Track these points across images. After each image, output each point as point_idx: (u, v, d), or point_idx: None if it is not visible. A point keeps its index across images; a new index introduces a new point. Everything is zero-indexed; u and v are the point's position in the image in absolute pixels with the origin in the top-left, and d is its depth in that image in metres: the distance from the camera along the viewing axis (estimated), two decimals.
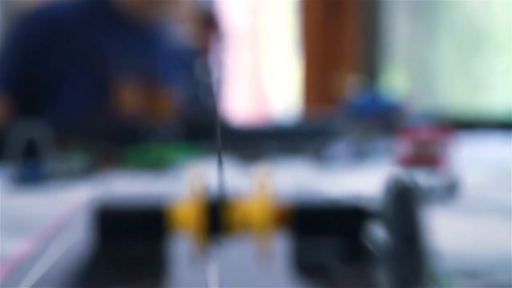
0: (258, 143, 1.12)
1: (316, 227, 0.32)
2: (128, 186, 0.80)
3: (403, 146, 0.75)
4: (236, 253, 0.31)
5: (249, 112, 3.22)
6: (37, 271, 0.28)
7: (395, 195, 0.25)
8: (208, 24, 1.37)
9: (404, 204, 0.25)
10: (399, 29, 3.07)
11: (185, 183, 0.78)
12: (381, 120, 1.16)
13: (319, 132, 1.54)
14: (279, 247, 0.31)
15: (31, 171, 0.88)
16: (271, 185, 0.31)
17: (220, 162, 0.30)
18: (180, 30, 1.80)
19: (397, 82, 3.09)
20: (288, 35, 3.18)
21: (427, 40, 3.06)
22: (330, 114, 1.71)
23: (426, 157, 0.74)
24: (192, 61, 1.79)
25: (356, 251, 0.31)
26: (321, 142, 1.21)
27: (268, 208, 0.30)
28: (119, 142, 1.12)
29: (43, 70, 1.57)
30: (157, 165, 1.01)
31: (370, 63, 2.94)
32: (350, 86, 2.85)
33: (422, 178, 0.73)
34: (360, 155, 1.12)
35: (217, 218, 0.29)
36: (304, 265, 0.29)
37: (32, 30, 1.58)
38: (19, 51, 1.58)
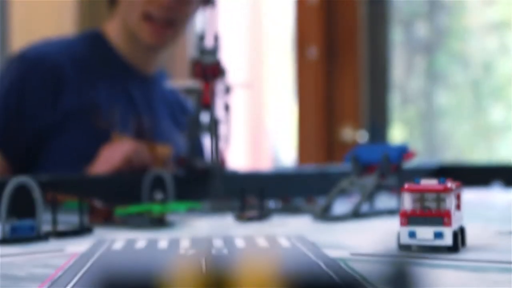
0: (258, 192, 1.10)
1: None
2: (124, 248, 0.77)
3: (406, 200, 0.73)
4: None
5: (248, 159, 3.20)
6: None
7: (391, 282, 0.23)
8: (211, 75, 1.36)
9: None
10: (402, 81, 3.07)
11: (181, 251, 0.76)
12: (384, 172, 1.14)
13: (318, 182, 1.52)
14: None
15: (24, 228, 0.86)
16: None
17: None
18: (180, 83, 1.80)
19: (400, 134, 3.08)
20: (288, 86, 3.18)
21: (431, 92, 3.06)
22: (330, 164, 1.69)
23: (430, 211, 0.73)
24: (190, 112, 1.78)
25: None
26: (320, 193, 1.19)
27: None
28: (115, 198, 1.10)
29: (37, 121, 1.55)
30: (153, 222, 0.99)
31: (372, 114, 2.92)
32: (352, 137, 2.83)
33: (427, 233, 0.71)
34: (362, 210, 1.10)
35: None
36: None
37: (28, 77, 1.56)
38: (13, 100, 1.55)
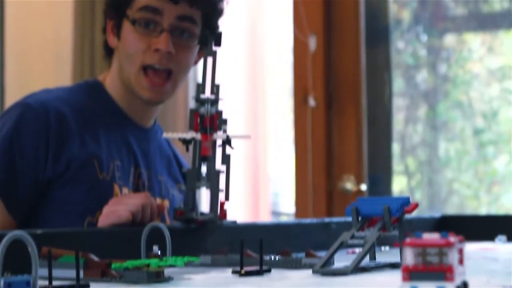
0: (257, 244, 1.08)
1: None
2: None
3: (408, 255, 0.72)
4: None
5: (247, 208, 3.18)
6: None
7: None
8: (210, 126, 1.36)
9: None
10: (403, 130, 3.06)
11: None
12: (385, 225, 1.12)
13: (319, 234, 1.50)
14: None
15: (20, 283, 0.85)
16: None
17: None
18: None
19: (401, 184, 3.07)
20: (287, 134, 3.18)
21: (432, 141, 3.05)
22: (331, 217, 1.67)
23: (432, 266, 0.71)
24: (184, 165, 1.78)
25: None
26: (320, 246, 1.18)
27: None
28: (112, 252, 1.09)
29: (40, 172, 1.53)
30: (150, 277, 0.97)
31: (373, 164, 2.91)
32: (352, 186, 2.82)
33: None
34: (363, 263, 1.08)
35: None
36: None
37: (31, 127, 1.54)
38: (15, 149, 1.53)
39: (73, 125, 1.56)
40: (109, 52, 1.69)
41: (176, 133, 1.36)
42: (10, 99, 3.14)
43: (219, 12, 1.67)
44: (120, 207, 1.41)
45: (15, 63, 3.13)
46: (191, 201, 1.37)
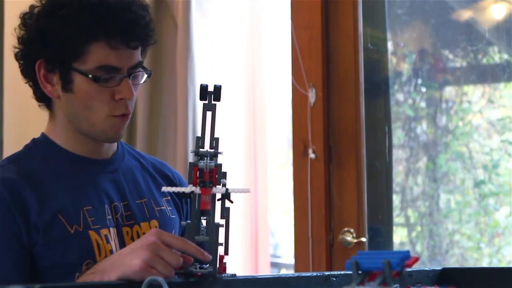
0: None
1: None
2: None
3: None
4: None
5: (247, 260, 3.16)
6: None
7: None
8: (209, 180, 1.35)
9: None
10: (403, 182, 3.06)
11: None
12: (385, 279, 1.11)
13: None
14: None
15: None
16: None
17: None
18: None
19: (401, 237, 3.05)
20: (287, 186, 3.17)
21: (433, 193, 3.04)
22: (331, 270, 1.66)
23: None
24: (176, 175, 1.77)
25: None
26: None
27: None
28: None
29: (19, 247, 1.51)
30: None
31: (373, 216, 2.90)
32: (352, 239, 2.80)
33: None
34: None
35: None
36: None
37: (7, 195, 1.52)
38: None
39: (28, 192, 1.53)
40: (43, 99, 1.65)
41: (175, 187, 1.35)
42: (11, 98, 3.14)
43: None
44: (159, 265, 1.34)
45: (15, 63, 3.13)
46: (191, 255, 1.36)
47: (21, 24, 1.62)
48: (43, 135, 1.66)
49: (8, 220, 1.50)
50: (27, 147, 1.67)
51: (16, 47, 1.63)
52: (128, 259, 1.37)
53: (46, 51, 1.58)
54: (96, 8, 1.54)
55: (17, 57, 1.64)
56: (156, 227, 1.65)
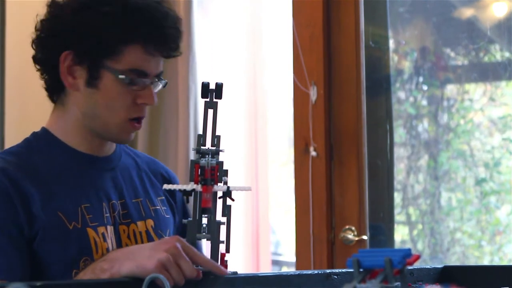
0: None
1: None
2: None
3: None
4: None
5: (248, 258, 3.17)
6: None
7: None
8: (210, 178, 1.35)
9: None
10: (405, 180, 3.06)
11: None
12: (386, 277, 1.11)
13: (320, 286, 1.49)
14: None
15: None
16: None
17: None
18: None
19: (403, 235, 3.06)
20: (288, 183, 3.17)
21: (434, 191, 3.04)
22: (332, 268, 1.66)
23: None
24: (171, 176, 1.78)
25: None
26: None
27: None
28: None
29: (19, 241, 1.50)
30: None
31: (374, 214, 2.90)
32: (354, 236, 2.80)
33: None
34: None
35: None
36: None
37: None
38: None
39: (28, 185, 1.52)
40: (56, 91, 1.64)
41: (177, 185, 1.35)
42: (10, 99, 3.14)
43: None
44: (173, 270, 1.31)
45: (15, 64, 3.13)
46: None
47: (48, 13, 1.61)
48: (44, 129, 1.65)
49: (9, 209, 1.49)
50: (27, 140, 1.65)
51: (38, 34, 1.61)
52: (145, 255, 1.35)
53: (79, 44, 1.57)
54: (140, 12, 1.56)
55: (37, 44, 1.62)
56: (151, 226, 1.66)
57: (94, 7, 1.56)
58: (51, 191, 1.55)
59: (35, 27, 1.62)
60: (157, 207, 1.70)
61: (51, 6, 1.61)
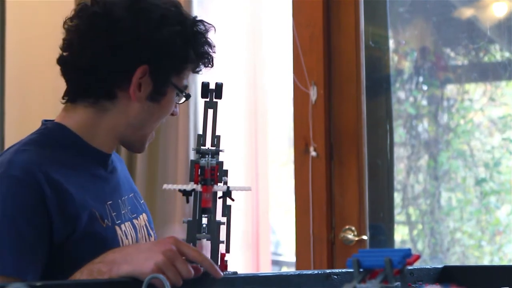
0: None
1: None
2: None
3: None
4: None
5: (248, 258, 3.17)
6: None
7: None
8: (210, 178, 1.35)
9: None
10: (405, 180, 3.06)
11: None
12: (386, 277, 1.11)
13: (320, 286, 1.49)
14: None
15: None
16: None
17: None
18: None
19: (402, 234, 3.06)
20: (288, 184, 3.17)
21: (434, 191, 3.04)
22: (332, 268, 1.66)
23: None
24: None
25: None
26: None
27: None
28: None
29: (48, 240, 1.49)
30: None
31: (374, 214, 2.90)
32: (354, 236, 2.80)
33: None
34: None
35: None
36: None
37: (28, 201, 1.49)
38: (21, 228, 1.48)
39: (62, 182, 1.50)
40: (108, 96, 1.61)
41: (177, 185, 1.35)
42: (10, 99, 3.14)
43: None
44: (170, 273, 1.32)
45: (15, 64, 3.13)
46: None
47: (123, 23, 1.57)
48: (59, 124, 1.61)
49: (41, 210, 1.48)
50: (41, 134, 1.62)
51: (114, 44, 1.57)
52: (142, 258, 1.35)
53: (155, 59, 1.58)
54: (201, 34, 1.62)
55: (112, 52, 1.57)
56: (146, 220, 1.68)
57: (169, 25, 1.58)
58: (80, 186, 1.54)
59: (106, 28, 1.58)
60: (142, 201, 1.73)
61: (132, 12, 1.58)
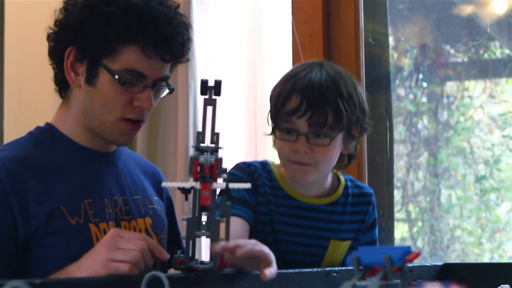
0: None
1: None
2: None
3: None
4: None
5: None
6: None
7: None
8: (209, 175, 1.35)
9: None
10: (405, 178, 3.06)
11: None
12: (386, 274, 1.11)
13: (320, 284, 1.49)
14: None
15: None
16: None
17: None
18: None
19: (402, 232, 3.05)
20: None
21: (434, 189, 3.04)
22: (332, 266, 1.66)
23: None
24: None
25: None
26: None
27: None
28: None
29: (11, 237, 1.50)
30: None
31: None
32: None
33: None
34: None
35: None
36: None
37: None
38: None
39: (29, 179, 1.52)
40: (62, 85, 1.64)
41: (176, 182, 1.35)
42: (10, 99, 3.13)
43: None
44: (118, 255, 1.36)
45: (14, 61, 3.12)
46: (191, 250, 1.36)
47: (62, 9, 1.62)
48: (48, 124, 1.65)
49: (3, 209, 1.49)
50: (30, 134, 1.66)
51: (51, 29, 1.63)
52: (89, 261, 1.38)
53: (81, 40, 1.58)
54: (140, 13, 1.56)
55: (50, 38, 1.64)
56: (150, 224, 1.67)
57: (99, 6, 1.57)
58: (53, 185, 1.55)
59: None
60: (155, 206, 1.71)
61: (67, 2, 1.62)
